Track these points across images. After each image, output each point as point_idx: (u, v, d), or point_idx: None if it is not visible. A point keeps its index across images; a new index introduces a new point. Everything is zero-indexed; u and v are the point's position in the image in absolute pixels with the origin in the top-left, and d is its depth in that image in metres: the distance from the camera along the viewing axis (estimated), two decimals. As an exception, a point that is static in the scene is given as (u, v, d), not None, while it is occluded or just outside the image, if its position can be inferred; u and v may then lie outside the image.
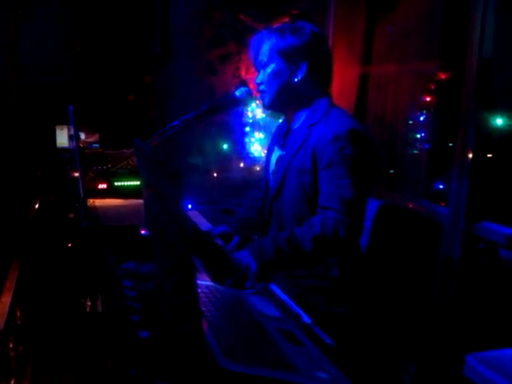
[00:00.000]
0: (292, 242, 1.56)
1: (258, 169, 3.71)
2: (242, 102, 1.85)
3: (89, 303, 1.26)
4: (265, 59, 1.76)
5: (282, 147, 1.84)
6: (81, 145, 3.36)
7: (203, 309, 1.19)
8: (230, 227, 1.97)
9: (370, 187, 1.75)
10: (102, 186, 2.40)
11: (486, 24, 2.27)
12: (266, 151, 2.06)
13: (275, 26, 1.84)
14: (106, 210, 2.09)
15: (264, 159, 2.02)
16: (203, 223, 2.14)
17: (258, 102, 1.84)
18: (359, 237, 1.75)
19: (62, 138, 3.61)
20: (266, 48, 1.75)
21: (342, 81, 3.32)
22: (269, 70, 1.75)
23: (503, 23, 2.24)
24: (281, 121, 2.01)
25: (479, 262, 2.34)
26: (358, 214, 1.64)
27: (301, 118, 1.78)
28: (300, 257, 1.58)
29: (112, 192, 2.38)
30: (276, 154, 1.88)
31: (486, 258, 2.31)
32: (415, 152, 2.95)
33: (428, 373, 2.20)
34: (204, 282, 1.44)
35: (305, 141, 1.71)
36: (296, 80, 1.74)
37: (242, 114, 3.72)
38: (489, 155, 2.37)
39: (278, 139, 1.91)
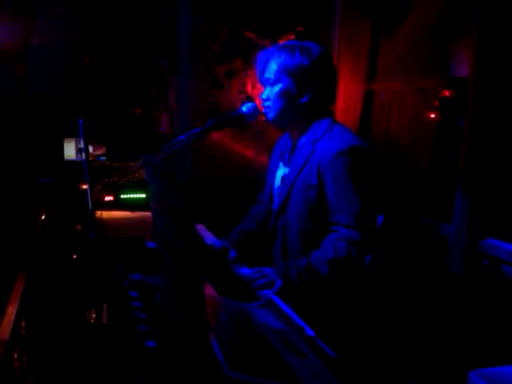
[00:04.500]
0: (312, 269, 1.61)
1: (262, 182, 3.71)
2: (249, 118, 1.86)
3: (94, 315, 1.28)
4: (272, 77, 1.76)
5: (287, 164, 1.86)
6: (89, 158, 3.39)
7: (209, 320, 1.21)
8: (229, 241, 1.97)
9: (378, 201, 1.77)
10: (109, 198, 2.43)
11: (488, 40, 2.29)
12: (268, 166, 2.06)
13: (283, 42, 1.84)
14: (112, 222, 2.12)
15: (267, 173, 2.03)
16: (209, 236, 2.15)
17: (262, 117, 1.84)
18: (374, 249, 1.78)
19: (70, 150, 3.63)
20: (274, 65, 1.76)
21: (347, 97, 3.35)
22: (276, 88, 1.76)
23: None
24: (282, 135, 2.02)
25: (483, 278, 2.34)
26: (370, 226, 1.66)
27: (304, 135, 1.80)
28: (320, 281, 1.63)
29: (118, 204, 2.41)
30: (281, 170, 1.89)
31: (490, 274, 2.32)
32: (419, 168, 2.96)
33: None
34: (210, 293, 1.45)
35: (309, 157, 1.73)
36: (303, 101, 1.76)
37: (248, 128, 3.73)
38: (492, 171, 2.38)
39: (282, 155, 1.92)
